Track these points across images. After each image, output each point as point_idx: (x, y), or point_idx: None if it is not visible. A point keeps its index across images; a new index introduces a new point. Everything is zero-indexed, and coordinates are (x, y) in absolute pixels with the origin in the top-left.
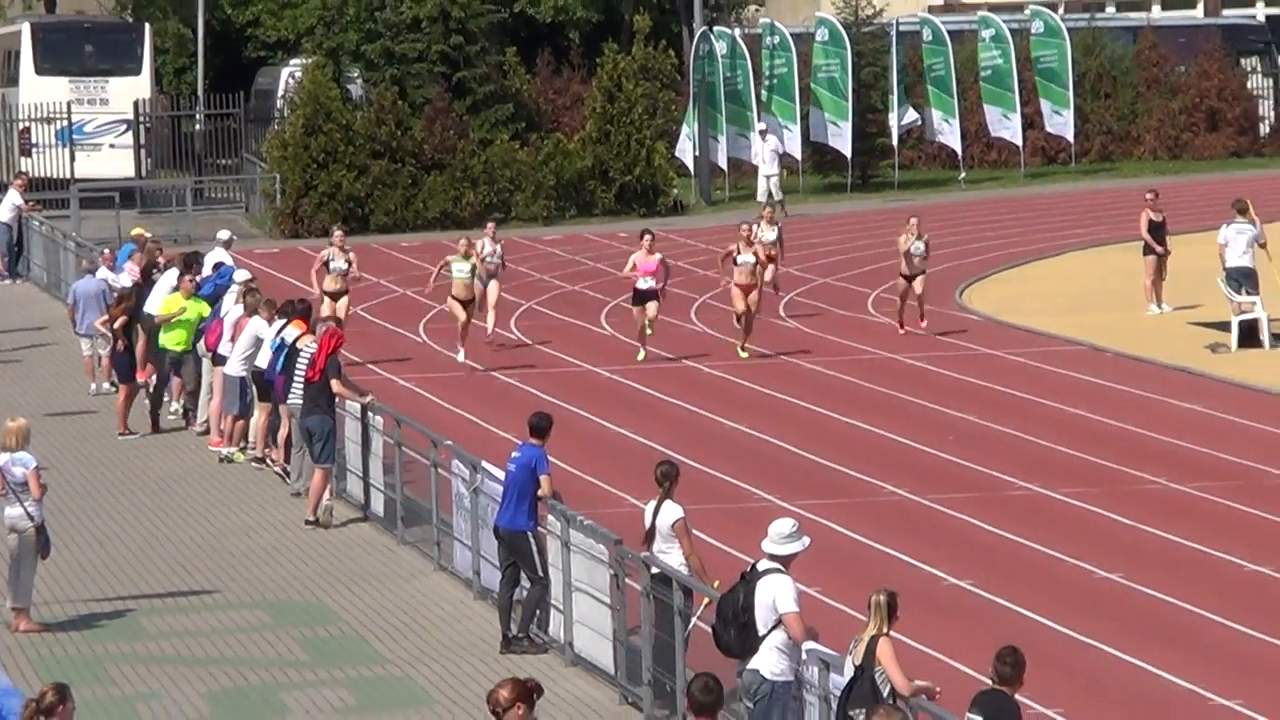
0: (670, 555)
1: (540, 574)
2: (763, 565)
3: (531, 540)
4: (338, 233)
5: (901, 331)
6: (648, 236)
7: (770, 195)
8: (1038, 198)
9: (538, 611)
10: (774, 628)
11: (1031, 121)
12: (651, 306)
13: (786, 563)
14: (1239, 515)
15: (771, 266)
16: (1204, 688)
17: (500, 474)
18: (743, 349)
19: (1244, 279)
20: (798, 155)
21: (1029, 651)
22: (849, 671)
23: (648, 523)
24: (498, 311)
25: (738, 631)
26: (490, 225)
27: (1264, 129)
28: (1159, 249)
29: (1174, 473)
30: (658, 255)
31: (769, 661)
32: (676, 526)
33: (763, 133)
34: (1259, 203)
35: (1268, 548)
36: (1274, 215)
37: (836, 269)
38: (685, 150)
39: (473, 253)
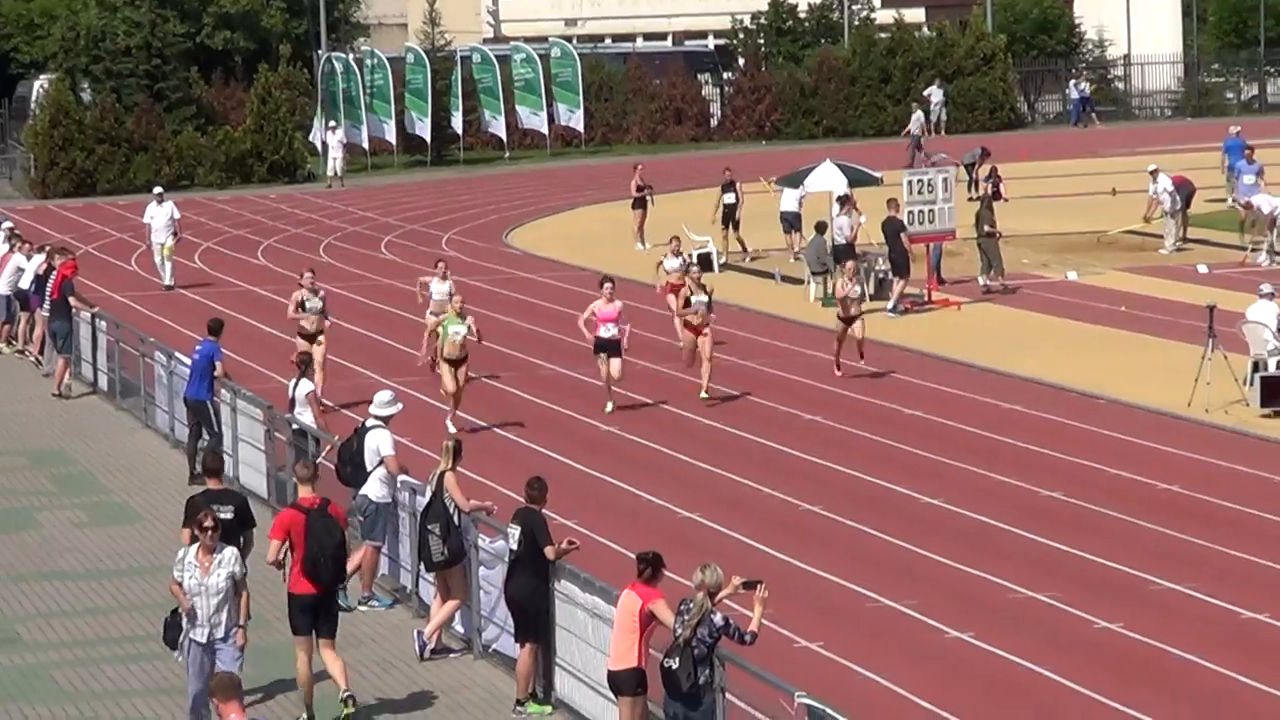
0: (304, 416)
1: (216, 430)
2: (370, 423)
3: (210, 406)
4: (308, 274)
5: (838, 373)
6: (608, 285)
7: (335, 172)
8: (559, 170)
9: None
10: (377, 466)
11: (553, 117)
12: (615, 363)
13: (387, 421)
14: (689, 384)
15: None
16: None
17: (188, 360)
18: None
19: (792, 219)
20: (393, 141)
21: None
22: (428, 495)
23: (289, 395)
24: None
25: (353, 469)
26: (441, 264)
27: (713, 123)
28: (646, 203)
29: (661, 359)
30: (618, 303)
31: (374, 489)
32: (308, 396)
33: (333, 128)
34: (709, 173)
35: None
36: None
37: (420, 219)
38: (315, 137)
39: (466, 311)
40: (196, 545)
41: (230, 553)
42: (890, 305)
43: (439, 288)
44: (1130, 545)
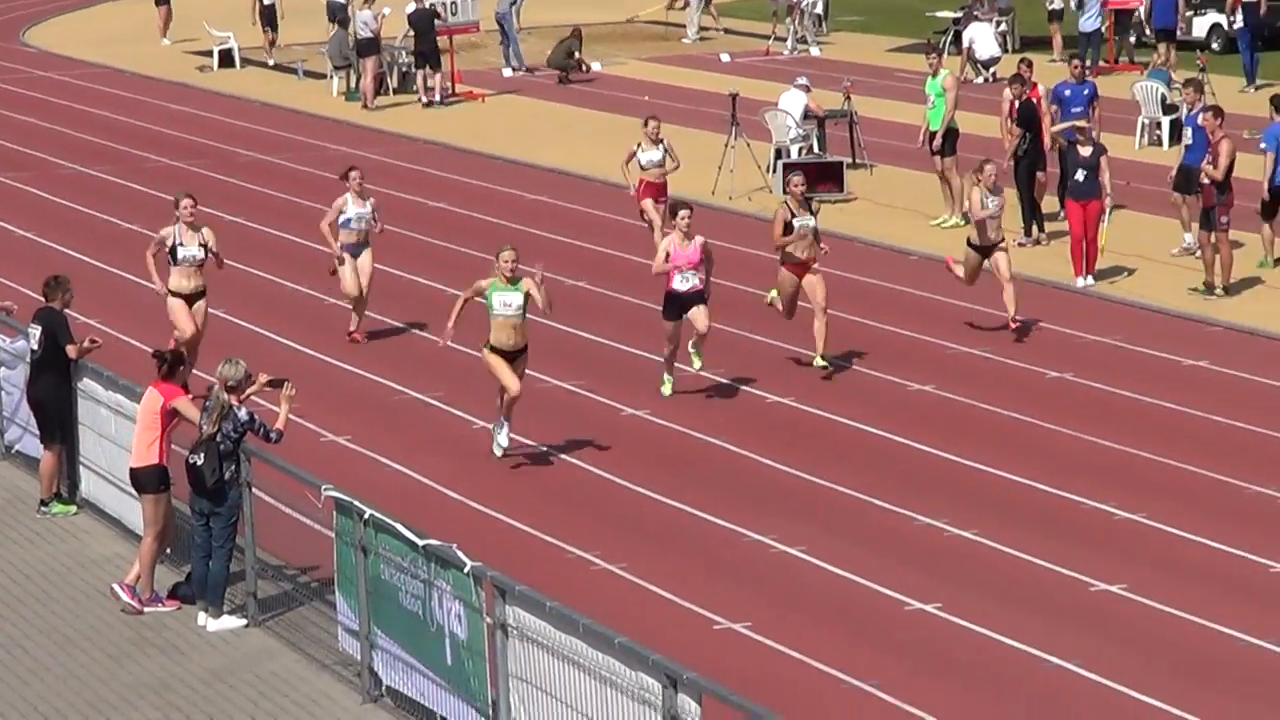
0: None
1: None
2: None
3: None
4: (186, 201)
5: (1013, 326)
6: (683, 213)
7: None
8: None
9: None
10: None
11: None
12: (700, 314)
13: None
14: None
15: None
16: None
17: None
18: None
19: (335, 9)
20: None
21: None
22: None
23: None
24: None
25: None
26: (355, 173)
27: None
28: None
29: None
30: (698, 239)
31: None
32: None
33: None
34: None
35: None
36: None
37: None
38: None
39: (520, 273)
40: None
41: None
42: (425, 99)
43: (356, 209)
44: (646, 330)
